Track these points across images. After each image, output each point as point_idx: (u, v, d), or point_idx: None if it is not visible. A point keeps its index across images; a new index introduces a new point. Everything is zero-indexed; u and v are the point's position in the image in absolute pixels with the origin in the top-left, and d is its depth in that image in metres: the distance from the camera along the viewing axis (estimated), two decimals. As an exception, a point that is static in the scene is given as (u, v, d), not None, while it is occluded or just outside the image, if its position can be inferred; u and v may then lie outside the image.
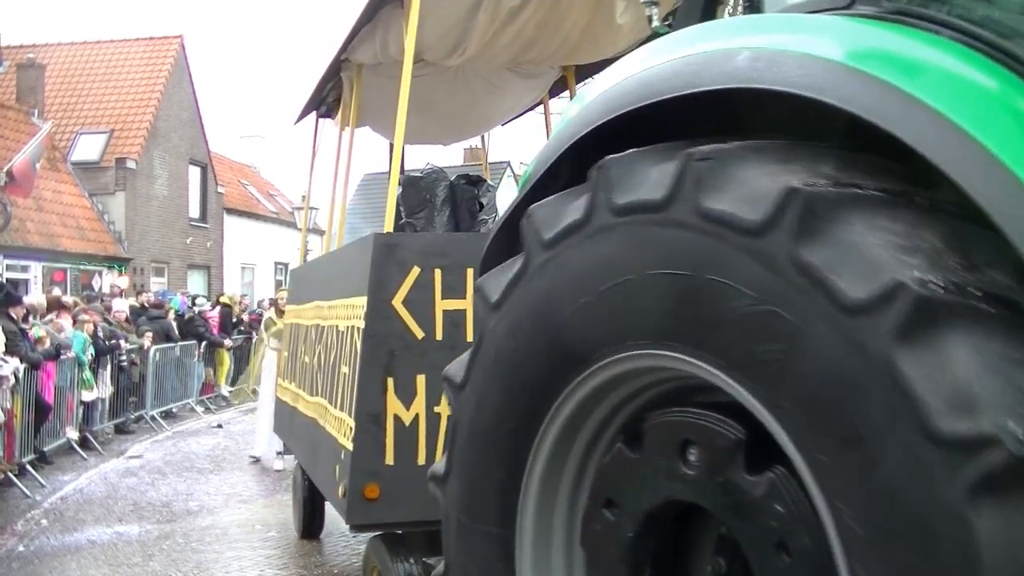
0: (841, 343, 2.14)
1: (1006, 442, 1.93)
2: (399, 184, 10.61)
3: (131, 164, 40.36)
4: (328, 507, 11.14)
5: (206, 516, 13.87)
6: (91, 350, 19.21)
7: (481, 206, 10.60)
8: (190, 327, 26.64)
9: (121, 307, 24.01)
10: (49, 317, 19.48)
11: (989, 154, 2.21)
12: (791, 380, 2.25)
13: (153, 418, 22.97)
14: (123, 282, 32.16)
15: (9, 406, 15.11)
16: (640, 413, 2.97)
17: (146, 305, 26.59)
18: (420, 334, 7.26)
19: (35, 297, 23.04)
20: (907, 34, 2.61)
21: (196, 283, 44.49)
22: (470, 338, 7.20)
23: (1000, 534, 1.93)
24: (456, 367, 3.38)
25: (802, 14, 2.91)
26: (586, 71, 11.56)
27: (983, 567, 1.92)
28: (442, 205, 10.34)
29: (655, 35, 10.03)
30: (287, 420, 11.67)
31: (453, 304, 7.31)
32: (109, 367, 20.52)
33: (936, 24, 2.61)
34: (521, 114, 12.74)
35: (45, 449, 17.29)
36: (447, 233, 9.82)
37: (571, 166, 3.10)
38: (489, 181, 11.44)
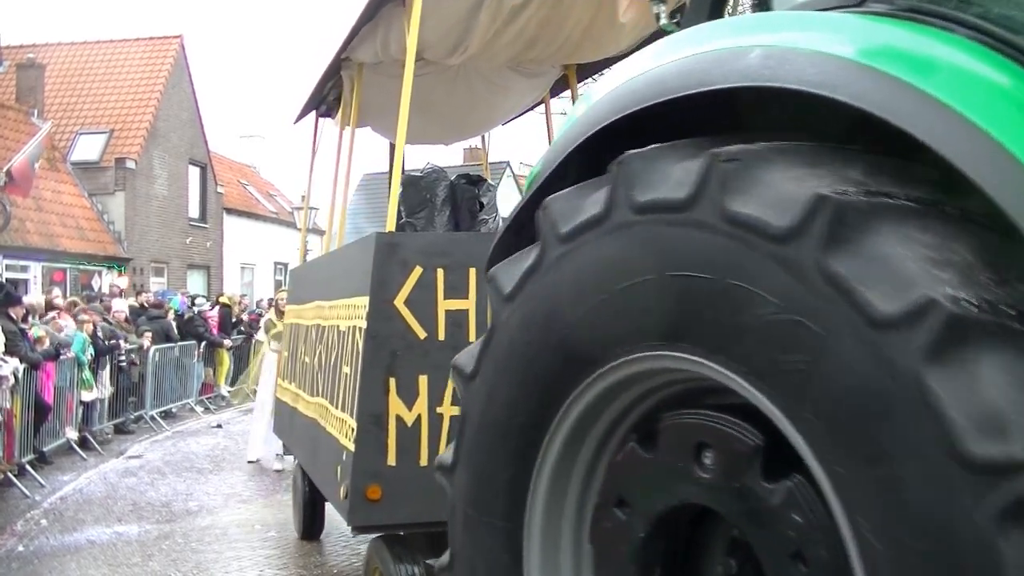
0: (868, 358, 2.09)
1: None
2: (401, 185, 10.60)
3: (131, 164, 40.36)
4: (328, 507, 11.13)
5: (205, 516, 13.85)
6: (91, 350, 19.18)
7: (482, 206, 10.57)
8: (190, 327, 26.62)
9: (121, 307, 23.99)
10: (50, 316, 19.50)
11: (1007, 152, 2.18)
12: (814, 392, 2.20)
13: (153, 418, 22.94)
14: (122, 282, 32.13)
15: (9, 406, 15.11)
16: (653, 412, 2.93)
17: (146, 305, 26.56)
18: (422, 334, 7.21)
19: (35, 297, 23.03)
20: (920, 31, 2.56)
21: (196, 283, 44.48)
22: (473, 338, 7.18)
23: None
24: (466, 357, 3.32)
25: (813, 11, 2.88)
26: (587, 70, 11.54)
27: None
28: (442, 205, 10.31)
29: (661, 33, 10.05)
30: (287, 421, 11.64)
31: (455, 304, 7.27)
32: (108, 367, 20.48)
33: (948, 21, 2.57)
34: (522, 113, 12.71)
35: (45, 449, 17.27)
36: (449, 233, 9.79)
37: (579, 166, 3.06)
38: (489, 181, 11.41)
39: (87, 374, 18.91)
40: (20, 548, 12.19)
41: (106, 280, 36.19)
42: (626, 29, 9.22)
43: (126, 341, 21.85)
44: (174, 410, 24.73)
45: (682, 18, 3.94)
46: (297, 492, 12.01)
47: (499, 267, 3.20)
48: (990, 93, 2.36)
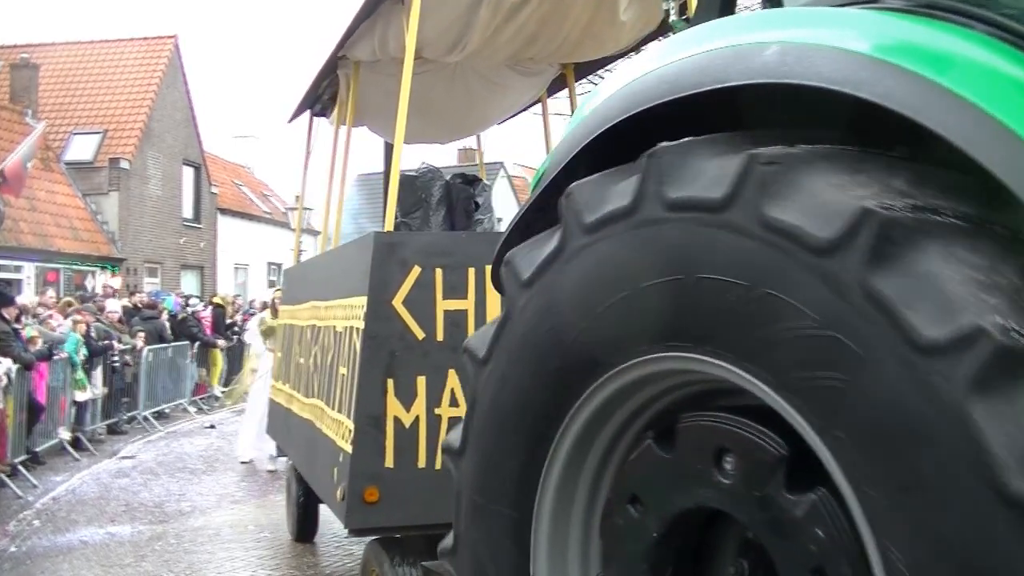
0: (910, 383, 2.01)
1: None
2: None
3: (125, 164, 40.36)
4: (321, 508, 11.10)
5: (199, 517, 13.85)
6: (84, 350, 19.14)
7: (477, 205, 10.54)
8: (183, 328, 26.59)
9: (114, 307, 23.95)
10: (46, 314, 19.49)
11: None
12: (848, 412, 2.12)
13: (146, 418, 22.95)
14: (116, 282, 32.08)
15: (1, 406, 15.10)
16: (668, 410, 2.88)
17: (139, 305, 26.52)
18: (421, 335, 7.15)
19: (28, 297, 23.01)
20: (939, 27, 2.50)
21: (189, 283, 44.47)
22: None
23: None
24: (478, 340, 3.25)
25: (828, 8, 2.81)
26: (585, 69, 11.49)
27: None
28: (438, 205, 10.29)
29: (661, 32, 10.03)
30: (281, 422, 11.60)
31: (454, 304, 7.21)
32: (102, 368, 20.45)
33: (965, 17, 2.51)
34: (519, 112, 12.66)
35: (37, 449, 17.27)
36: (448, 232, 9.75)
37: (588, 164, 3.00)
38: (485, 181, 11.37)
39: (80, 374, 18.86)
40: (12, 549, 12.19)
41: (100, 280, 36.14)
42: (626, 27, 9.17)
43: (119, 341, 21.84)
44: (167, 410, 24.74)
45: (692, 15, 3.88)
46: (291, 494, 11.95)
47: (517, 251, 3.11)
48: (1013, 90, 2.28)
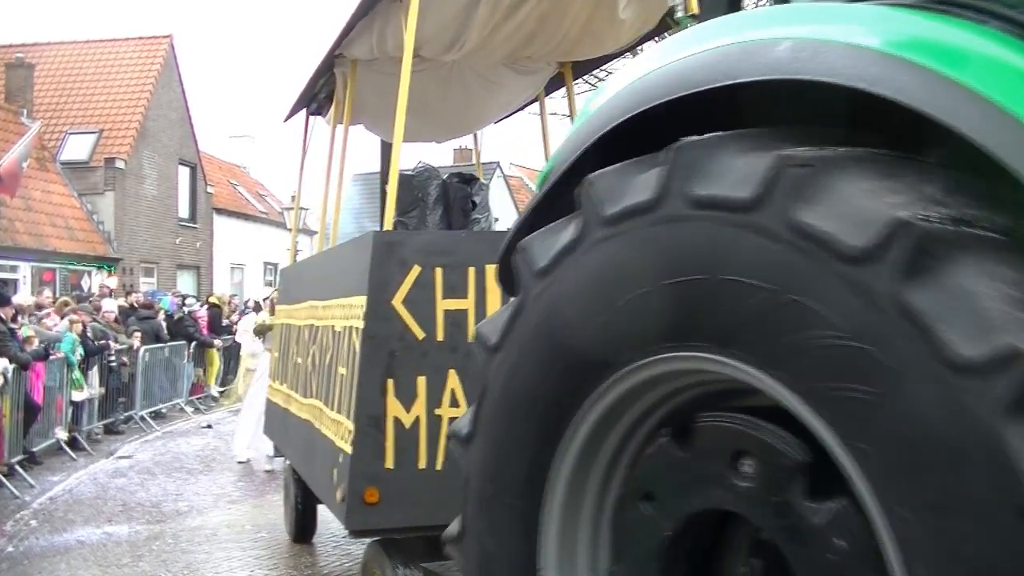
0: (942, 402, 1.96)
1: None
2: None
3: (120, 164, 40.35)
4: (319, 508, 11.07)
5: (195, 516, 13.81)
6: (80, 350, 19.10)
7: (474, 205, 10.52)
8: (180, 327, 26.56)
9: (110, 307, 23.92)
10: (44, 312, 19.44)
11: None
12: (876, 427, 2.08)
13: (143, 418, 22.89)
14: (112, 282, 32.06)
15: (-2, 406, 15.01)
16: (682, 409, 2.85)
17: (135, 305, 26.52)
18: (421, 335, 7.12)
19: (24, 297, 22.97)
20: (953, 24, 2.45)
21: (185, 283, 44.43)
22: (472, 338, 7.11)
23: None
24: (490, 326, 3.20)
25: (839, 3, 2.76)
26: (583, 68, 11.46)
27: None
28: (435, 204, 10.27)
29: (661, 29, 10.00)
30: (278, 422, 11.57)
31: (455, 304, 7.18)
32: (96, 367, 20.41)
33: (981, 13, 2.46)
34: (516, 111, 12.63)
35: (34, 449, 17.20)
36: (449, 231, 9.72)
37: (595, 163, 2.97)
38: (482, 180, 11.34)
39: (77, 374, 18.83)
40: (10, 549, 12.14)
41: (96, 280, 36.12)
42: (626, 26, 9.12)
43: (116, 341, 21.79)
44: (164, 410, 24.70)
45: (699, 12, 3.84)
46: (289, 494, 11.90)
47: (533, 239, 3.05)
48: None
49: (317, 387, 8.86)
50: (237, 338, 22.21)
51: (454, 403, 7.07)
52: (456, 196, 10.48)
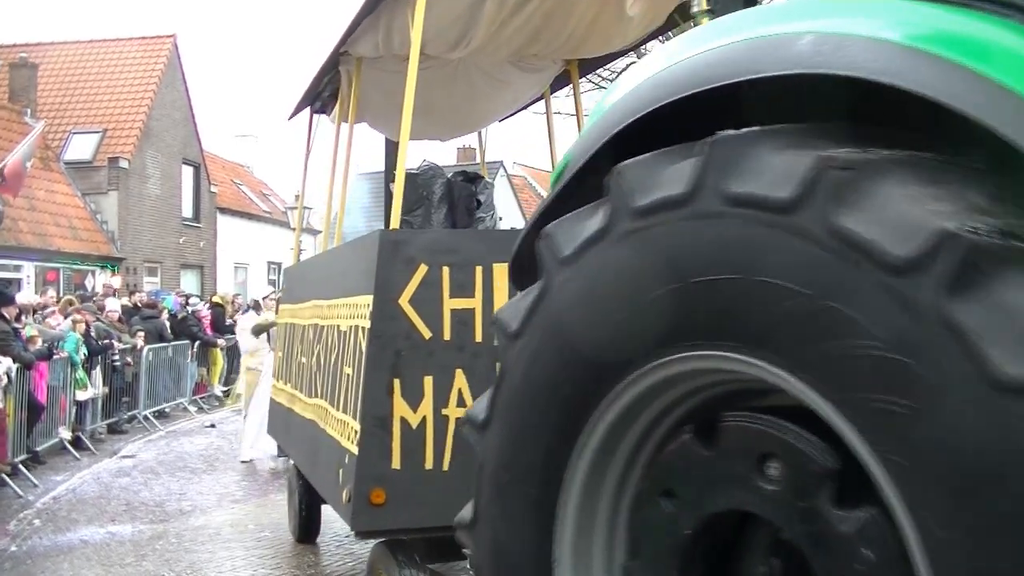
0: (984, 421, 1.90)
1: None
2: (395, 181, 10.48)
3: (124, 163, 40.31)
4: (322, 508, 11.05)
5: (199, 516, 13.84)
6: (84, 349, 19.09)
7: (479, 203, 10.46)
8: (183, 327, 26.58)
9: (114, 307, 23.93)
10: (49, 309, 19.44)
11: None
12: (914, 442, 2.03)
13: (146, 418, 22.93)
14: (116, 282, 32.03)
15: (2, 406, 15.08)
16: (704, 406, 2.79)
17: (139, 305, 26.50)
18: (427, 334, 7.07)
19: (28, 297, 22.97)
20: (977, 17, 2.39)
21: (189, 283, 44.42)
22: (479, 338, 7.08)
23: None
24: (510, 312, 3.14)
25: None
26: (589, 65, 11.41)
27: None
28: (439, 202, 10.21)
29: (668, 27, 9.97)
30: (282, 422, 11.53)
31: (462, 303, 7.13)
32: (99, 367, 20.41)
33: (1004, 7, 2.40)
34: (521, 109, 12.59)
35: (38, 449, 17.27)
36: (456, 230, 9.67)
37: (611, 159, 2.92)
38: (487, 179, 11.29)
39: (81, 374, 18.83)
40: (13, 548, 12.17)
41: (99, 280, 36.09)
42: (633, 23, 9.04)
43: (119, 341, 21.81)
44: (167, 410, 24.74)
45: (716, 6, 3.79)
46: (292, 494, 11.88)
47: (557, 225, 2.99)
48: None
49: (322, 387, 8.81)
50: (237, 337, 22.19)
51: (461, 403, 7.02)
52: (461, 195, 10.42)
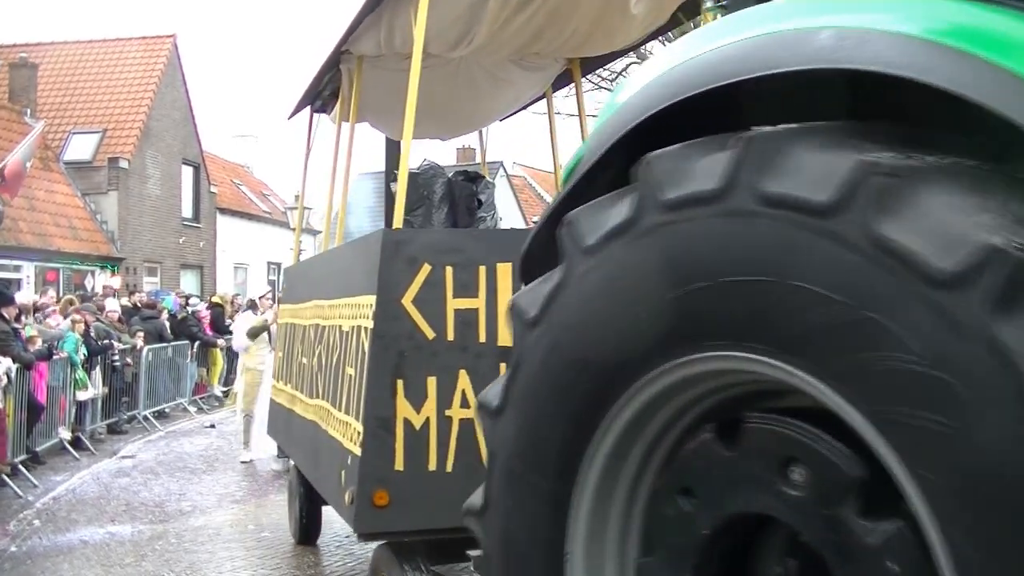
0: None
1: None
2: (395, 181, 10.44)
3: (124, 164, 40.34)
4: (323, 509, 11.02)
5: (199, 516, 13.85)
6: (83, 350, 19.07)
7: (480, 203, 10.44)
8: (183, 327, 26.58)
9: (114, 307, 23.92)
10: (50, 309, 19.43)
11: None
12: (948, 459, 1.97)
13: (146, 418, 22.93)
14: (115, 282, 32.02)
15: (1, 406, 15.06)
16: (723, 406, 2.74)
17: (139, 305, 26.51)
18: (431, 334, 7.02)
19: (28, 296, 22.96)
20: (1001, 12, 2.32)
21: (189, 283, 44.43)
22: (483, 338, 7.04)
23: None
24: (528, 298, 3.07)
25: None
26: (591, 64, 11.36)
27: None
28: (440, 202, 10.18)
29: (672, 25, 9.93)
30: (282, 422, 11.49)
31: (465, 303, 7.07)
32: (99, 368, 20.40)
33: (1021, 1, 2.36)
34: (522, 108, 12.55)
35: (38, 449, 17.27)
36: (460, 229, 9.63)
37: (624, 156, 2.87)
38: (488, 178, 11.26)
39: (81, 374, 18.82)
40: (13, 548, 12.17)
41: (99, 280, 36.10)
42: (637, 20, 8.97)
43: (119, 341, 21.79)
44: (167, 410, 24.75)
45: (729, 1, 3.72)
46: (293, 495, 11.85)
47: (581, 212, 2.91)
48: None
49: (324, 388, 8.77)
50: (237, 336, 22.19)
51: (465, 404, 6.98)
52: (462, 194, 10.39)
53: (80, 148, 40.90)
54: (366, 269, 7.37)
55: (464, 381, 7.01)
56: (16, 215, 33.99)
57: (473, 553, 4.28)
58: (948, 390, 1.96)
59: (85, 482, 16.41)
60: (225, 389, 27.89)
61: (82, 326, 19.50)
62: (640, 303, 2.64)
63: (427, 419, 6.99)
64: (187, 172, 46.02)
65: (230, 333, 27.94)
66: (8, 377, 15.22)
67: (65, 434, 18.38)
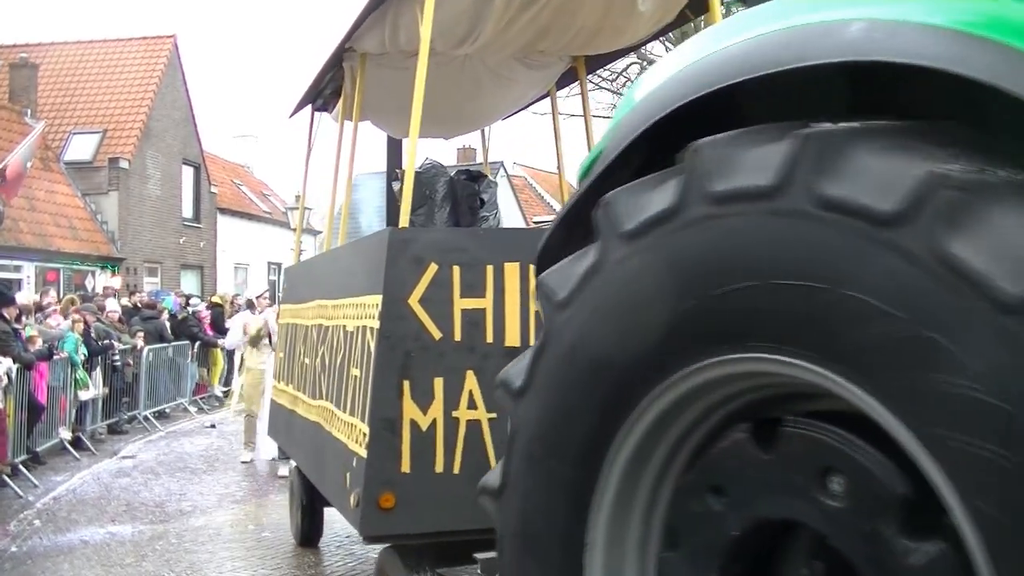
0: None
1: None
2: (397, 180, 10.39)
3: (124, 164, 40.36)
4: (325, 510, 10.99)
5: (199, 516, 13.85)
6: (83, 349, 19.05)
7: (482, 202, 10.39)
8: (183, 327, 26.58)
9: (114, 307, 23.91)
10: (51, 309, 19.43)
11: None
12: (1006, 493, 1.89)
13: (146, 418, 22.94)
14: (116, 282, 32.02)
15: (2, 406, 15.06)
16: (753, 405, 2.66)
17: (139, 305, 26.54)
18: (438, 335, 6.95)
19: (28, 297, 22.96)
20: None
21: (189, 283, 44.44)
22: (490, 339, 6.99)
23: None
24: (558, 278, 2.97)
25: None
26: (596, 62, 11.32)
27: None
28: (442, 201, 10.14)
29: (679, 23, 9.89)
30: (283, 423, 11.44)
31: (472, 303, 7.01)
32: (99, 368, 20.40)
33: None
34: (525, 107, 12.51)
35: (38, 449, 17.29)
36: (467, 228, 9.57)
37: (642, 154, 2.81)
38: (490, 177, 11.21)
39: (82, 373, 18.80)
40: (13, 548, 12.18)
41: (99, 280, 36.10)
42: (644, 18, 8.91)
43: (119, 341, 21.79)
44: (168, 410, 24.78)
45: (752, -1, 3.63)
46: (295, 497, 11.81)
47: (621, 193, 2.79)
48: None
49: (327, 388, 8.70)
50: (230, 334, 22.16)
51: (472, 405, 6.92)
52: (464, 194, 10.35)
53: (80, 148, 40.92)
54: (372, 268, 7.31)
55: (471, 382, 6.95)
56: (16, 215, 34.00)
57: (480, 556, 4.23)
58: (1011, 421, 1.88)
59: (85, 482, 16.41)
60: (225, 389, 27.87)
61: (81, 325, 19.50)
62: (680, 297, 2.54)
63: (434, 420, 6.92)
64: (187, 172, 46.05)
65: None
66: (8, 377, 15.23)
67: (65, 434, 18.39)
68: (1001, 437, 1.88)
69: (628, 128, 2.88)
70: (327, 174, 12.06)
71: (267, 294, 23.28)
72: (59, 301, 23.08)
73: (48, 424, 17.72)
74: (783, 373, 2.37)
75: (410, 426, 6.88)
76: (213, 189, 48.46)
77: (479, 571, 4.11)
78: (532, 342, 3.39)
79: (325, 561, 11.30)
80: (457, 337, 6.99)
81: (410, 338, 6.92)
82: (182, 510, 14.21)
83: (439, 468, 6.90)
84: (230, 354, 27.62)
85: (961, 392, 1.94)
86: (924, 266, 2.02)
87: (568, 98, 17.25)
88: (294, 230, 17.50)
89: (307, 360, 10.02)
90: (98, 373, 20.17)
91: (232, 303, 33.28)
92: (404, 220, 7.51)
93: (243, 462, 17.62)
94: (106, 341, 20.79)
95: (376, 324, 7.01)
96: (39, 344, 16.98)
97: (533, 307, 6.94)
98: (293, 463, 11.89)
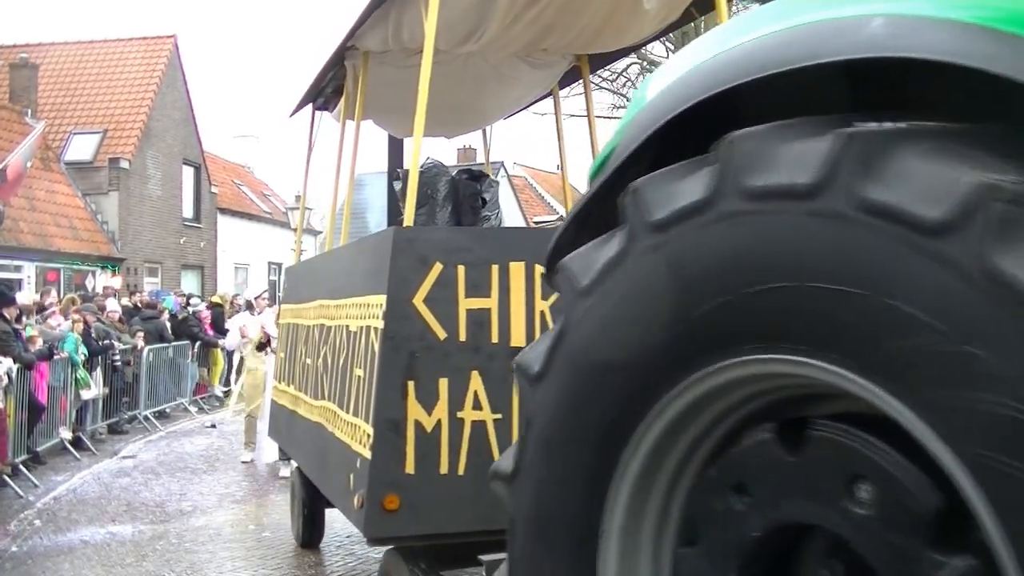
0: None
1: None
2: (398, 179, 10.36)
3: (124, 164, 40.36)
4: (326, 510, 10.97)
5: (200, 516, 13.86)
6: (83, 349, 19.04)
7: (484, 202, 10.35)
8: (184, 327, 26.57)
9: (114, 307, 23.90)
10: (51, 309, 19.43)
11: None
12: None
13: (146, 418, 22.94)
14: (116, 282, 32.00)
15: (2, 406, 15.06)
16: (773, 405, 2.62)
17: (139, 305, 26.56)
18: (442, 335, 6.91)
19: (28, 297, 22.96)
20: None
21: (190, 283, 44.45)
22: (495, 339, 6.95)
23: None
24: (581, 264, 2.89)
25: None
26: (599, 61, 11.28)
27: None
28: (444, 201, 10.10)
29: (685, 21, 9.85)
30: (284, 424, 11.42)
31: (477, 303, 6.96)
32: (100, 368, 20.40)
33: None
34: (528, 106, 12.48)
35: (38, 449, 17.30)
36: (471, 228, 9.53)
37: (654, 151, 2.76)
38: (492, 177, 11.18)
39: (83, 373, 18.77)
40: (14, 548, 12.20)
41: (100, 280, 36.09)
42: (649, 16, 8.86)
43: (120, 341, 21.79)
44: (168, 410, 24.79)
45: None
46: (296, 498, 11.77)
47: (650, 181, 2.71)
48: None
49: (330, 389, 8.66)
50: (229, 335, 22.16)
51: (477, 406, 6.89)
52: (465, 193, 10.30)
53: (81, 148, 40.93)
54: (376, 268, 7.27)
55: (476, 382, 6.91)
56: (17, 215, 34.01)
57: (485, 558, 4.20)
58: None
59: (86, 482, 16.42)
60: (225, 389, 27.87)
61: (80, 325, 19.51)
62: (709, 293, 2.48)
63: (438, 421, 6.88)
64: (188, 172, 46.06)
65: (232, 332, 28.03)
66: (9, 377, 15.23)
67: (66, 434, 18.40)
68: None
69: (641, 125, 2.83)
70: (328, 174, 12.03)
71: (266, 295, 23.27)
72: (59, 301, 23.07)
73: (48, 424, 17.73)
74: (813, 376, 2.31)
75: (414, 427, 6.84)
76: (213, 189, 48.49)
77: (484, 573, 4.08)
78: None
79: (325, 561, 11.29)
80: (462, 337, 6.95)
81: (415, 338, 6.88)
82: (182, 510, 14.21)
83: (444, 469, 6.86)
84: (230, 354, 27.63)
85: (1003, 411, 1.88)
86: (970, 280, 1.95)
87: (568, 98, 17.27)
88: (295, 230, 17.49)
89: (309, 360, 9.98)
90: (98, 373, 20.16)
91: (232, 303, 33.29)
92: (409, 219, 7.47)
93: (243, 462, 17.63)
94: (106, 341, 20.79)
95: (380, 324, 6.97)
96: (39, 344, 16.99)
97: (539, 307, 6.92)
98: (295, 464, 11.86)
